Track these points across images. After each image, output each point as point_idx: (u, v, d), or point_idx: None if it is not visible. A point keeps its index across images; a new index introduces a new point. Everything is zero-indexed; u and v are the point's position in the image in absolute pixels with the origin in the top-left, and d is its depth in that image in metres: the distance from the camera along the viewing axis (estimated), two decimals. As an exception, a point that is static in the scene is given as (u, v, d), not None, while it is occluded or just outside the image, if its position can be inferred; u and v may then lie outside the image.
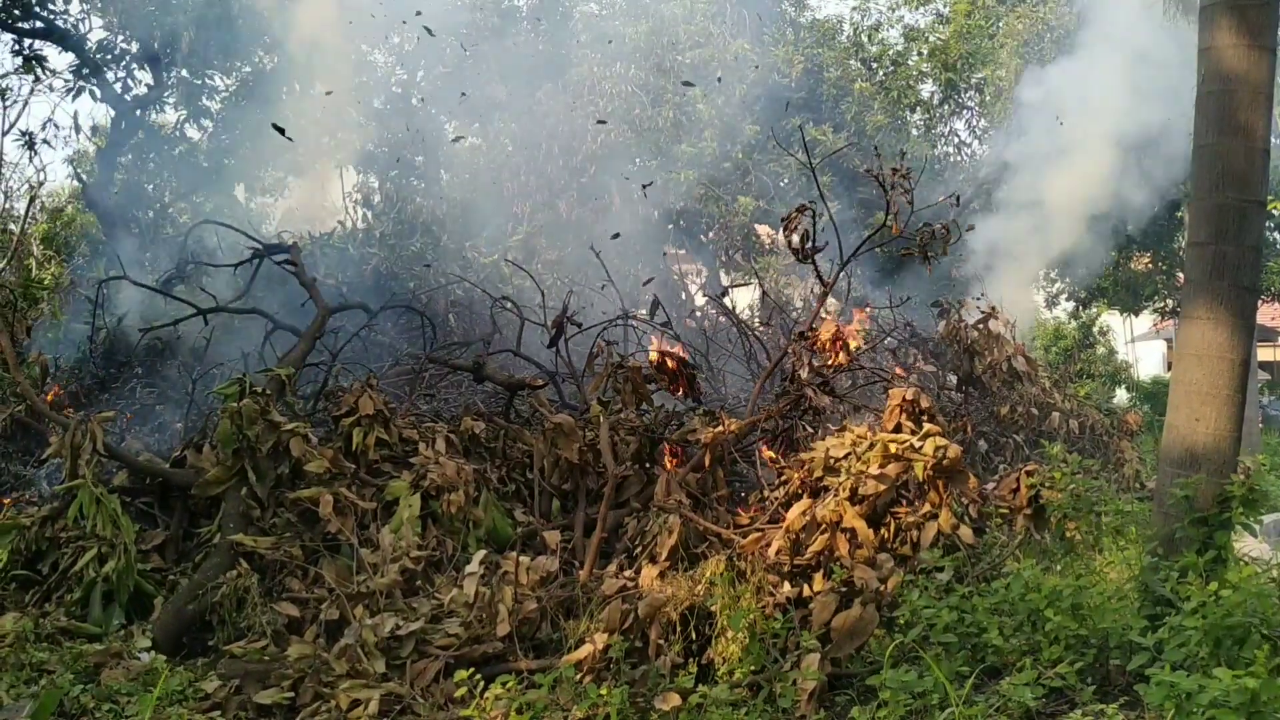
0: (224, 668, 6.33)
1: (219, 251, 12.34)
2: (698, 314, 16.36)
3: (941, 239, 8.83)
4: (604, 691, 5.46)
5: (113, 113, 16.47)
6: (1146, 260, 23.09)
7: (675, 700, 5.44)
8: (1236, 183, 5.92)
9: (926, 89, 23.20)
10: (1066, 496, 7.23)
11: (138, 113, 16.30)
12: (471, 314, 13.79)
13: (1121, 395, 24.34)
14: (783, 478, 7.69)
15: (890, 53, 22.75)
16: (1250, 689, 3.77)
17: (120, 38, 15.47)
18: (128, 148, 16.55)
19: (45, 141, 17.58)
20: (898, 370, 10.85)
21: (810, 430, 8.75)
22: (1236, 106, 5.93)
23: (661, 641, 6.07)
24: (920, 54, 22.90)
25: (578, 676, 5.80)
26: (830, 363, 9.05)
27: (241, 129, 16.50)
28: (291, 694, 6.00)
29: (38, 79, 15.89)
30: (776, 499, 7.53)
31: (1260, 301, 19.46)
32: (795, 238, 8.65)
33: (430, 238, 16.37)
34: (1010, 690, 4.72)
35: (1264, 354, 29.53)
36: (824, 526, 6.56)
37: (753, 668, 5.78)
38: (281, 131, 11.08)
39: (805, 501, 6.87)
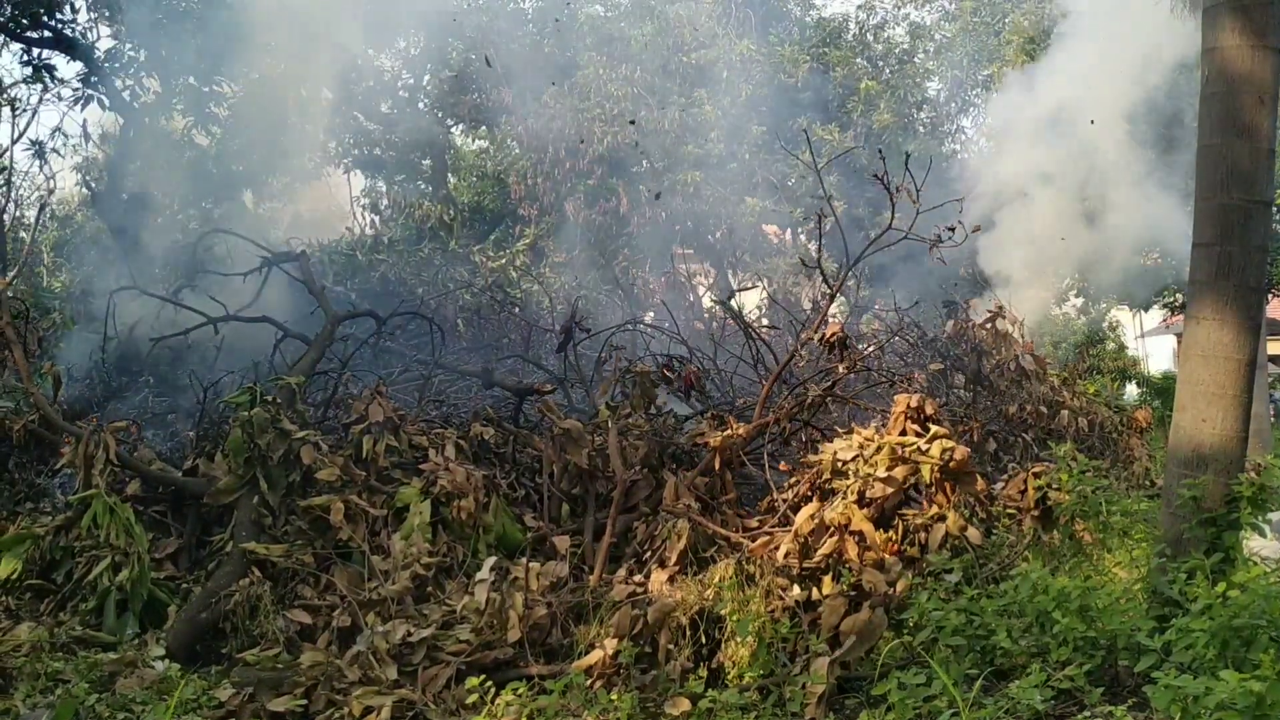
0: (238, 675, 6.37)
1: (229, 259, 12.39)
2: (705, 315, 16.38)
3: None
4: (614, 697, 5.52)
5: (121, 120, 16.53)
6: (1155, 256, 23.00)
7: (685, 705, 5.48)
8: (1241, 183, 5.91)
9: (933, 87, 23.20)
10: (1074, 497, 7.24)
11: (146, 120, 16.35)
12: (480, 319, 13.84)
13: (1131, 391, 24.24)
14: (791, 481, 7.71)
15: (896, 51, 22.73)
16: (1256, 692, 3.78)
17: (128, 46, 15.52)
18: (136, 155, 16.61)
19: (54, 150, 17.62)
20: (914, 376, 10.85)
21: (818, 433, 8.77)
22: (1241, 107, 5.92)
23: (671, 646, 6.10)
24: (926, 52, 22.90)
25: (588, 682, 5.84)
26: (837, 366, 9.07)
27: (249, 135, 16.55)
28: (304, 701, 6.04)
29: (46, 88, 15.96)
30: (785, 501, 7.56)
31: (1271, 296, 19.37)
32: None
33: (438, 243, 16.42)
34: (1019, 693, 4.73)
35: (1274, 348, 29.30)
36: (832, 529, 6.59)
37: (762, 672, 5.81)
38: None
39: (814, 504, 6.90)
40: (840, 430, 8.21)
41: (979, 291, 18.20)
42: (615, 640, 6.05)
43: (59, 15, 14.95)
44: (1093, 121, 16.59)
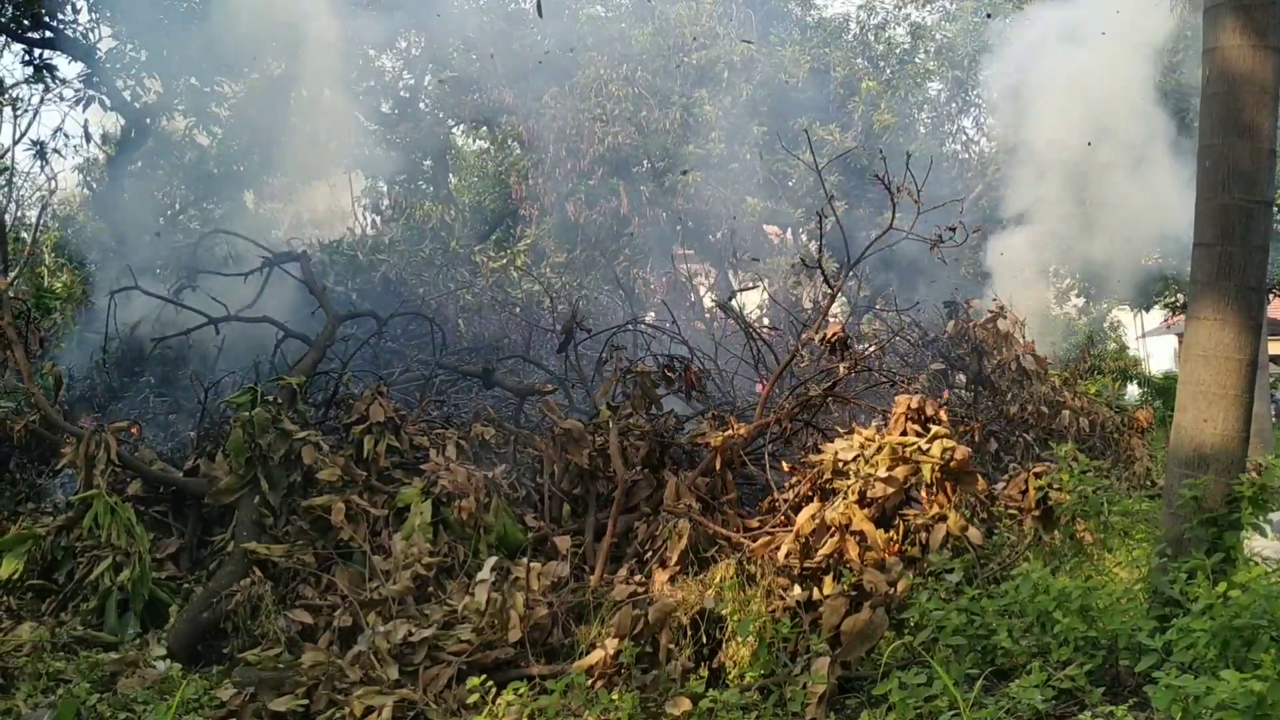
0: (239, 675, 6.38)
1: (229, 259, 12.40)
2: (706, 316, 16.38)
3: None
4: (615, 697, 5.52)
5: (122, 121, 16.54)
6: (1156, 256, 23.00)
7: (685, 705, 5.48)
8: (1242, 183, 5.91)
9: (934, 87, 23.18)
10: (1075, 497, 7.23)
11: (147, 120, 16.36)
12: (481, 319, 13.84)
13: (1133, 391, 24.23)
14: (792, 481, 7.71)
15: (897, 51, 22.71)
16: (1257, 692, 3.77)
17: (129, 46, 15.52)
18: (138, 155, 16.63)
19: (56, 150, 17.62)
20: (915, 376, 10.85)
21: (819, 433, 8.77)
22: (1242, 107, 5.91)
23: (672, 646, 6.10)
24: (927, 51, 22.88)
25: (589, 682, 5.84)
26: (838, 366, 9.07)
27: (249, 135, 16.57)
28: (306, 701, 6.05)
29: (48, 89, 15.99)
30: (786, 501, 7.56)
31: (1271, 296, 19.36)
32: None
33: (439, 243, 16.42)
34: (1019, 692, 4.72)
35: (1275, 348, 29.25)
36: (833, 529, 6.58)
37: (763, 671, 5.81)
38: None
39: (814, 505, 6.89)
40: (841, 430, 8.21)
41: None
42: (616, 640, 6.05)
43: (60, 16, 14.96)
44: (1090, 143, 16.66)
